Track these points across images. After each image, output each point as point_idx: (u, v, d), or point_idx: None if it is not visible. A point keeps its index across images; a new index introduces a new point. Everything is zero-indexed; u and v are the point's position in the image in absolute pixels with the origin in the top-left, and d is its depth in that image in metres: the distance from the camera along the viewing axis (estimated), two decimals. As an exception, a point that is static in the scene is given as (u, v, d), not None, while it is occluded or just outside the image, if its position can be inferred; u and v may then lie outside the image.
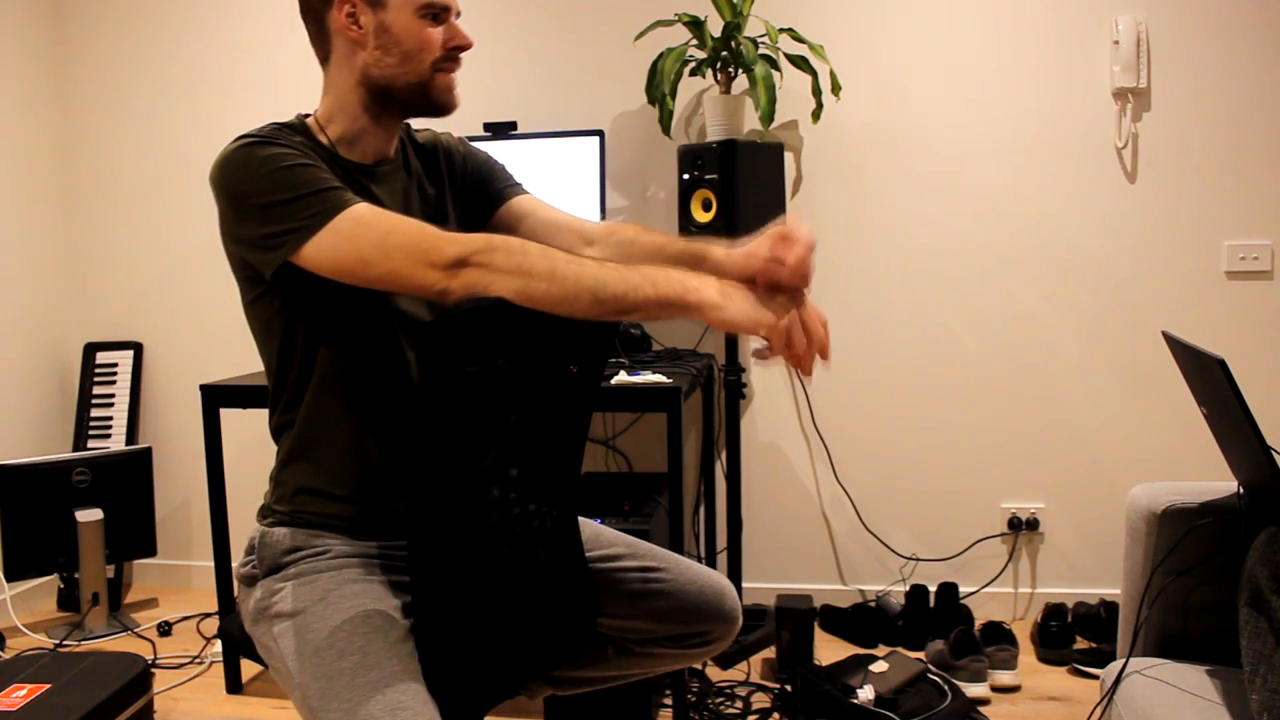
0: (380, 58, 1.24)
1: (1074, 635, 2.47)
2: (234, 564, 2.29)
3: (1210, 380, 1.31)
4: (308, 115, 1.32)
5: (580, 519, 1.35)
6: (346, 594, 1.18)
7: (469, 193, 1.44)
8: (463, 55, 1.30)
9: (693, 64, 2.54)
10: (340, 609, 1.16)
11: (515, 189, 1.45)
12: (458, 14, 1.29)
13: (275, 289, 1.20)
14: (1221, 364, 1.23)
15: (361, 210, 1.13)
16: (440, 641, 1.16)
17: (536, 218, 1.41)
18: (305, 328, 1.24)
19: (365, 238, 1.10)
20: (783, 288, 1.13)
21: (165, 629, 2.77)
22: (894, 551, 2.76)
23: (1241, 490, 1.43)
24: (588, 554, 1.32)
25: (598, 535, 1.40)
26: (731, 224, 2.34)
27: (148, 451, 2.86)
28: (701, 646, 1.40)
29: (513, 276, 1.06)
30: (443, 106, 1.31)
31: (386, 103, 1.28)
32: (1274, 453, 1.27)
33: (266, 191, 1.14)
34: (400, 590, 1.22)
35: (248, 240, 1.17)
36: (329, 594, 1.18)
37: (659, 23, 2.53)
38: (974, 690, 2.19)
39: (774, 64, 2.47)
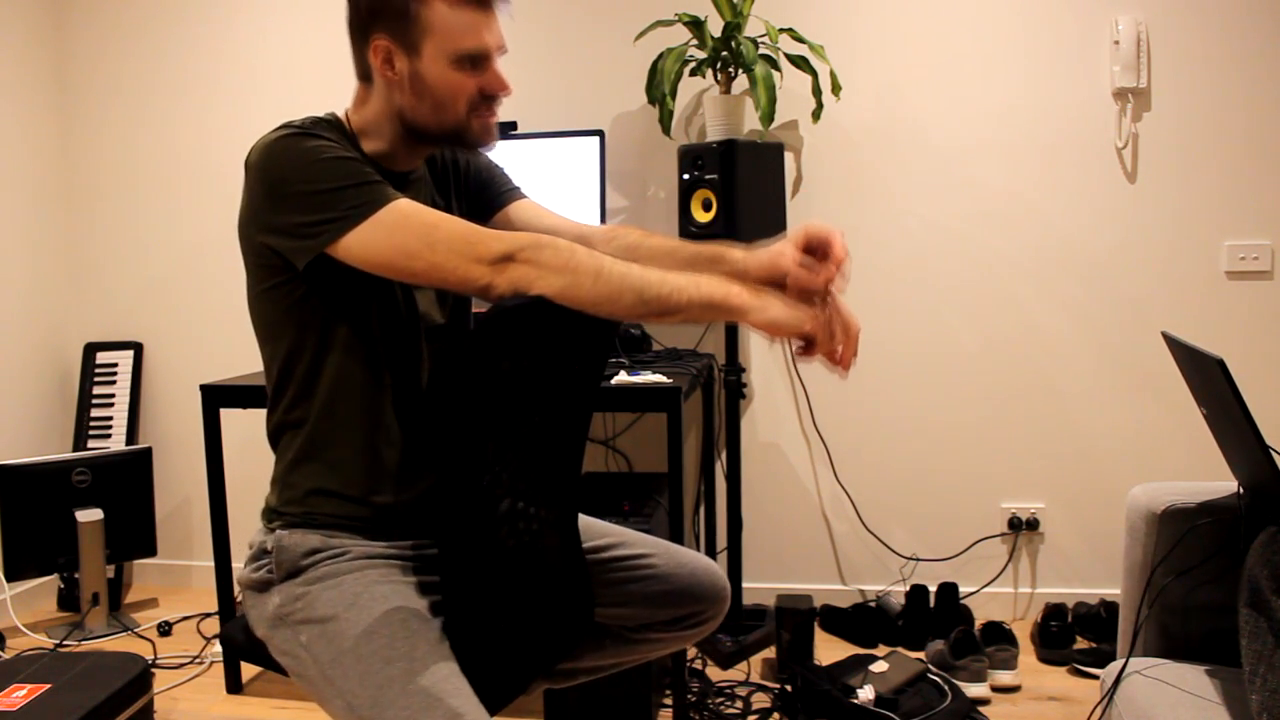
0: (414, 104, 1.23)
1: (1074, 635, 2.47)
2: (235, 566, 2.29)
3: (1210, 380, 1.32)
4: (340, 113, 1.31)
5: None
6: (376, 596, 1.17)
7: (471, 196, 1.45)
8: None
9: (693, 64, 2.54)
10: (373, 612, 1.15)
11: (514, 193, 1.46)
12: (503, 52, 1.25)
13: (303, 280, 1.19)
14: (1220, 364, 1.24)
15: (405, 204, 1.13)
16: (462, 643, 1.16)
17: (537, 225, 1.41)
18: (325, 323, 1.22)
19: (410, 230, 1.11)
20: (814, 291, 1.14)
21: (165, 629, 2.77)
22: (894, 551, 2.76)
23: (1241, 490, 1.43)
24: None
25: (588, 526, 1.41)
26: (731, 224, 2.34)
27: (148, 451, 2.86)
28: (695, 627, 1.42)
29: (559, 274, 1.07)
30: (479, 147, 1.30)
31: (420, 140, 1.28)
32: (1274, 453, 1.27)
33: (310, 180, 1.13)
34: (424, 590, 1.21)
35: (282, 228, 1.15)
36: (359, 597, 1.17)
37: (659, 23, 2.53)
38: (974, 690, 2.19)
39: (774, 64, 2.47)
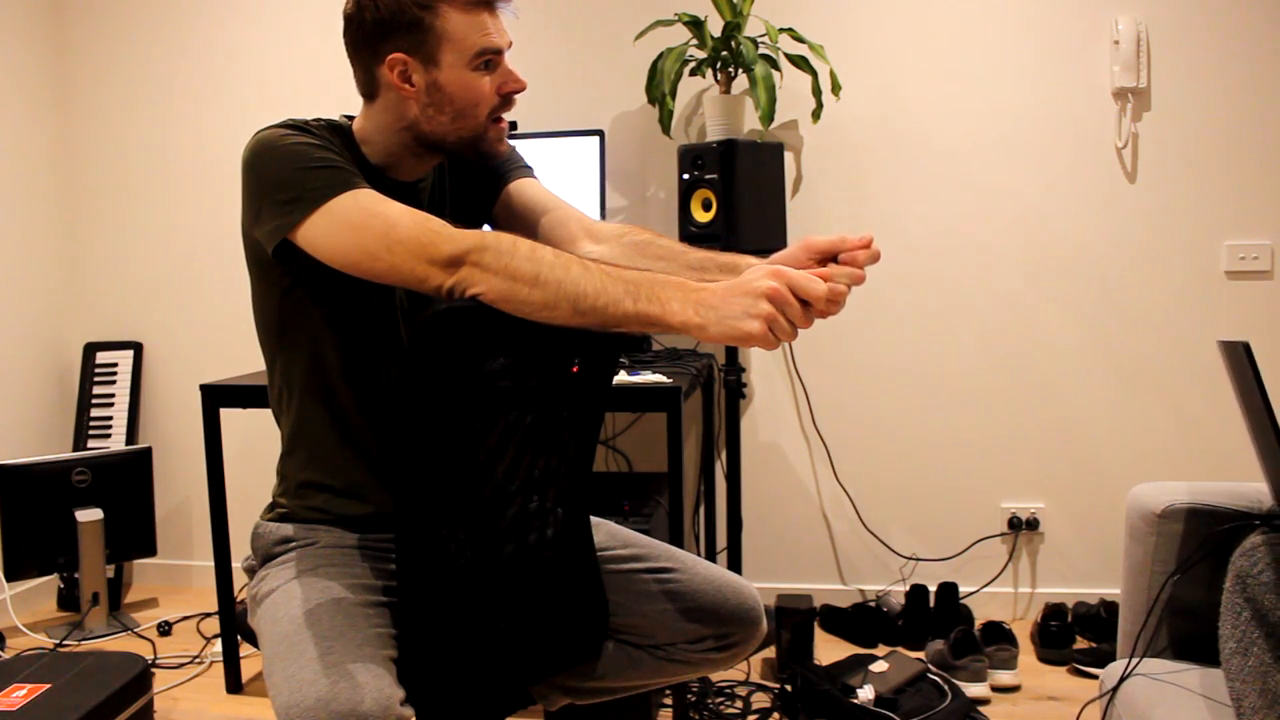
0: (433, 115, 1.23)
1: (1074, 635, 2.47)
2: (235, 566, 2.29)
3: (1239, 370, 1.25)
4: (352, 117, 1.31)
5: (596, 519, 1.33)
6: (319, 577, 1.20)
7: (473, 176, 1.42)
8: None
9: (693, 64, 2.54)
10: (309, 590, 1.17)
11: (520, 171, 1.43)
12: (509, 45, 1.25)
13: (285, 272, 1.21)
14: (1245, 347, 1.17)
15: (365, 196, 1.13)
16: (431, 643, 1.15)
17: (536, 207, 1.39)
18: (308, 316, 1.25)
19: (371, 231, 1.10)
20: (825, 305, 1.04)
21: (165, 629, 2.77)
22: (894, 551, 2.76)
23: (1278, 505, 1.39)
24: (601, 554, 1.31)
25: (613, 535, 1.39)
26: (731, 224, 2.34)
27: (148, 451, 2.86)
28: (723, 650, 1.36)
29: (499, 277, 1.06)
30: (492, 155, 1.30)
31: (432, 150, 1.28)
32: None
33: (279, 167, 1.15)
34: (386, 577, 1.23)
35: (258, 215, 1.18)
36: (301, 577, 1.20)
37: (659, 23, 2.53)
38: (974, 690, 2.19)
39: (774, 64, 2.47)
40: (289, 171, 1.14)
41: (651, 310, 1.03)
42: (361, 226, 1.11)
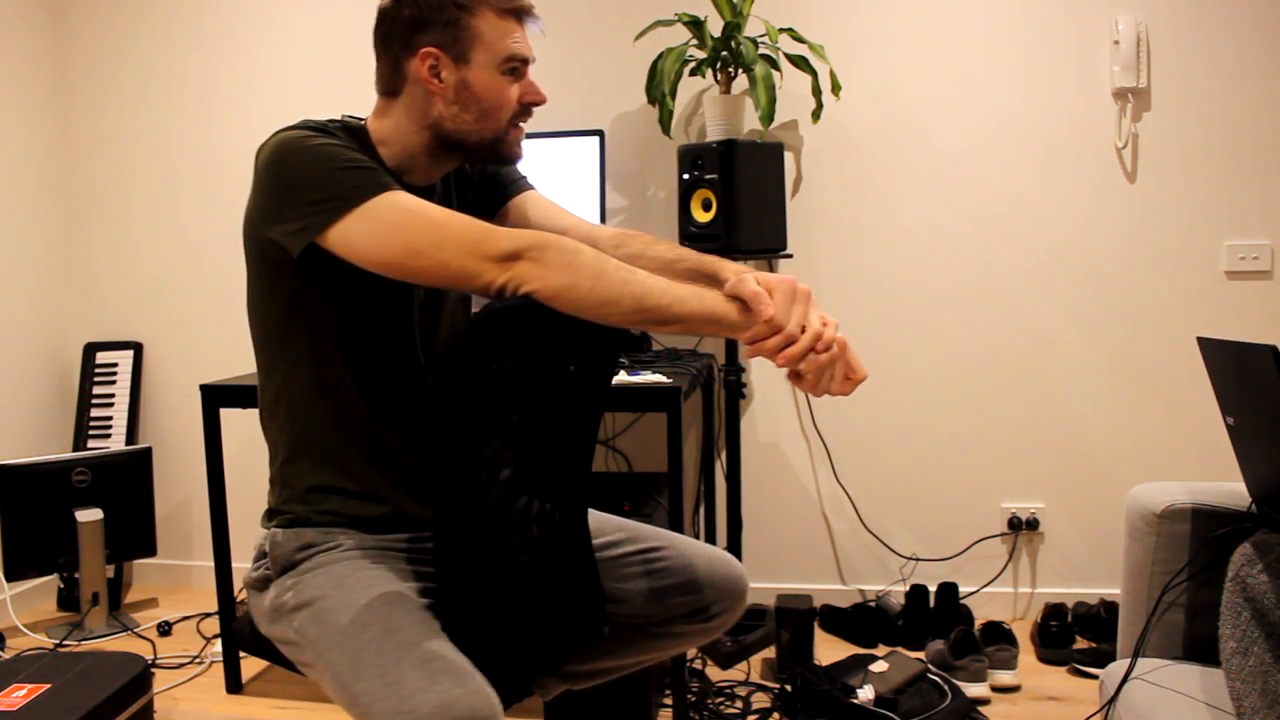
0: (457, 113, 1.25)
1: (1074, 635, 2.47)
2: (235, 566, 2.29)
3: (1258, 374, 1.23)
4: (362, 119, 1.30)
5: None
6: (363, 578, 1.18)
7: (477, 189, 1.44)
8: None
9: (693, 64, 2.54)
10: (358, 590, 1.16)
11: (522, 183, 1.45)
12: (534, 60, 1.30)
13: (300, 274, 1.19)
14: (1273, 351, 1.17)
15: (404, 197, 1.13)
16: (460, 640, 1.16)
17: (547, 222, 1.40)
18: (318, 320, 1.23)
19: (416, 228, 1.10)
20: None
21: (165, 629, 2.77)
22: (894, 551, 2.76)
23: (1254, 507, 1.38)
24: (592, 541, 1.32)
25: (597, 522, 1.40)
26: (731, 224, 2.34)
27: (148, 451, 2.86)
28: (710, 620, 1.39)
29: (560, 273, 1.07)
30: (510, 159, 1.32)
31: (452, 150, 1.28)
32: None
33: (310, 168, 1.14)
34: (416, 576, 1.22)
35: (283, 216, 1.16)
36: (344, 579, 1.18)
37: (659, 23, 2.53)
38: (974, 690, 2.19)
39: (774, 64, 2.47)
40: (322, 172, 1.13)
41: (719, 308, 1.10)
42: (406, 225, 1.11)
